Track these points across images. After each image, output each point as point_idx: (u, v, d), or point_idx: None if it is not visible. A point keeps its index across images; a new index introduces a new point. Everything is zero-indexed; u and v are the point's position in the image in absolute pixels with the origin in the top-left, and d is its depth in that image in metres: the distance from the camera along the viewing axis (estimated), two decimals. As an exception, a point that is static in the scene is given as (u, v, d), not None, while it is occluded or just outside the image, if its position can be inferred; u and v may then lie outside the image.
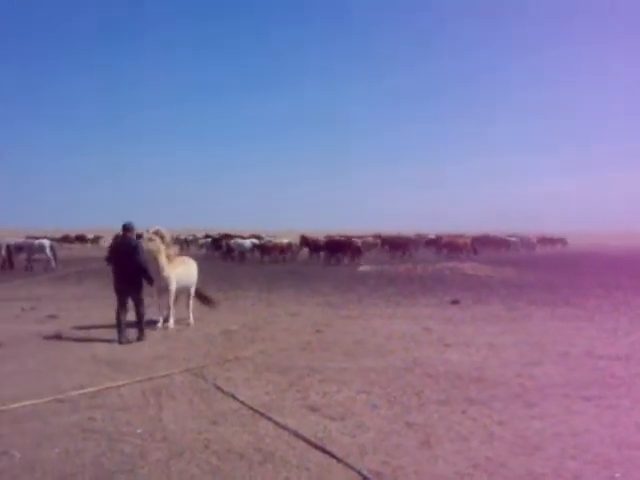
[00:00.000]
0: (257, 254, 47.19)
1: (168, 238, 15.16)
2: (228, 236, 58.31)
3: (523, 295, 21.78)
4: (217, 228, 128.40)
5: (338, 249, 43.27)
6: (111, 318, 13.90)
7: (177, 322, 15.14)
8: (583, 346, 12.17)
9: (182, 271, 15.07)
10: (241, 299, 20.29)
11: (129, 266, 13.25)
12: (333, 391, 8.85)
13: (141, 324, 13.29)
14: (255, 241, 49.27)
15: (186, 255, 17.70)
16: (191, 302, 15.73)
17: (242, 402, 8.25)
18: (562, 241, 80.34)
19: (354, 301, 20.20)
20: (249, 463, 6.13)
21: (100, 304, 19.02)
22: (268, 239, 53.38)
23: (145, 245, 13.99)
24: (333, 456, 6.27)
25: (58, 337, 13.18)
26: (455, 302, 19.30)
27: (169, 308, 14.92)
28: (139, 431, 7.14)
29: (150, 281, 13.78)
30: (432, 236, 71.44)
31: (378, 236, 67.10)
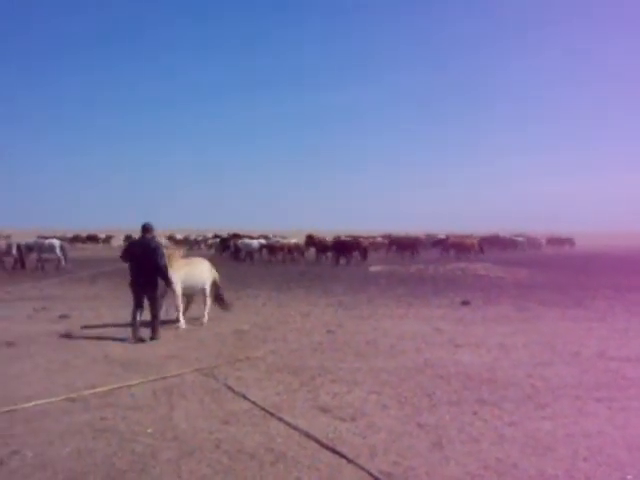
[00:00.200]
0: (265, 254, 47.25)
1: (164, 240, 15.28)
2: (237, 236, 58.31)
3: (534, 296, 21.70)
4: (228, 228, 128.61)
5: (345, 249, 43.20)
6: (123, 318, 14.01)
7: (190, 321, 15.23)
8: (595, 347, 12.13)
9: (186, 272, 15.06)
10: (252, 299, 20.30)
11: (147, 266, 13.40)
12: (344, 392, 8.85)
13: (155, 323, 13.34)
14: (262, 241, 49.32)
15: (195, 255, 17.68)
16: (208, 301, 15.76)
17: (253, 402, 8.26)
18: (570, 241, 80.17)
19: (365, 301, 20.18)
20: (260, 463, 6.14)
21: (112, 304, 19.09)
22: (275, 239, 53.36)
23: None
24: (344, 457, 6.27)
25: (70, 337, 13.25)
26: (466, 303, 19.26)
27: (177, 309, 14.99)
28: (150, 430, 7.16)
29: (168, 283, 14.02)
30: (442, 236, 71.28)
31: (388, 236, 67.11)
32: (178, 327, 14.61)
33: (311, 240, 47.56)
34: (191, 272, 15.25)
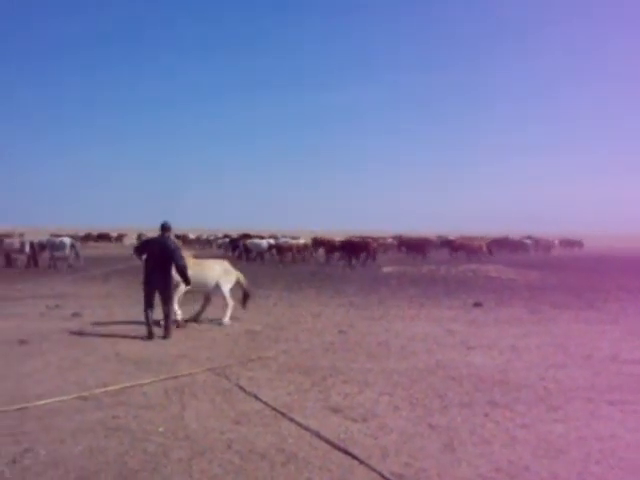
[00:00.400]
0: (274, 254, 47.38)
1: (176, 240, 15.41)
2: (247, 236, 58.49)
3: (546, 298, 21.62)
4: (239, 228, 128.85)
5: (354, 250, 43.19)
6: (135, 316, 14.08)
7: (209, 321, 15.31)
8: (607, 349, 12.09)
9: (194, 272, 15.04)
10: (263, 299, 20.29)
11: (163, 265, 13.51)
12: (355, 392, 8.84)
13: (167, 323, 13.39)
14: (271, 241, 49.43)
15: (206, 255, 17.69)
16: (229, 303, 15.77)
17: (265, 402, 8.26)
18: (579, 244, 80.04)
19: (377, 302, 20.15)
20: (271, 464, 6.14)
21: (124, 302, 19.18)
22: (284, 239, 53.51)
23: None
24: (355, 458, 6.26)
25: (82, 335, 13.30)
26: (478, 304, 19.20)
27: (174, 308, 14.94)
28: (162, 430, 7.17)
29: (187, 281, 14.08)
30: (452, 238, 71.26)
31: (399, 237, 67.20)
32: (177, 324, 14.69)
33: (317, 242, 47.59)
34: (199, 273, 15.26)
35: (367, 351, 11.88)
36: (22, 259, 37.63)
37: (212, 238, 74.89)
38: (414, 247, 53.97)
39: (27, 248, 36.97)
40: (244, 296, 16.46)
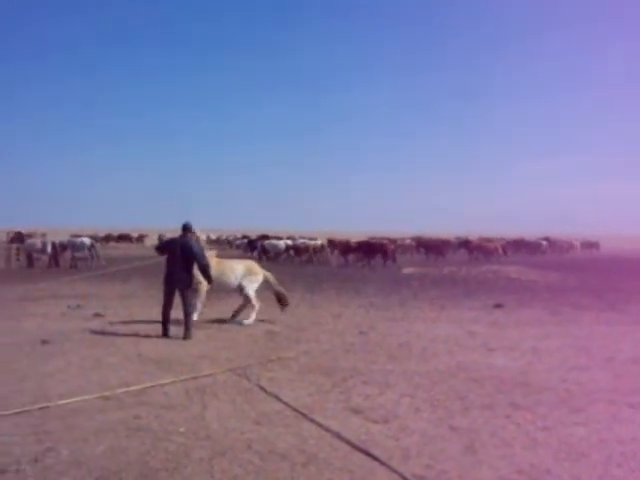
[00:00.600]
0: (291, 255, 47.68)
1: (202, 241, 15.58)
2: (265, 237, 58.78)
3: (567, 299, 21.51)
4: (261, 229, 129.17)
5: (371, 251, 43.24)
6: (156, 316, 14.14)
7: (224, 322, 15.34)
8: (629, 352, 12.01)
9: (216, 271, 15.17)
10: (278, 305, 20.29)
11: (184, 265, 13.67)
12: (376, 394, 8.83)
13: (188, 323, 13.47)
14: (288, 242, 49.75)
15: (225, 255, 17.75)
16: (252, 304, 15.79)
17: (285, 403, 8.27)
18: (596, 245, 79.61)
19: (397, 303, 20.12)
20: (292, 464, 6.14)
21: (145, 303, 19.29)
22: (302, 241, 53.73)
23: None
24: (376, 459, 6.24)
25: (104, 335, 13.37)
26: (499, 306, 19.12)
27: (196, 308, 15.14)
28: (183, 430, 7.19)
29: (210, 280, 14.28)
30: (474, 239, 71.18)
31: (418, 238, 67.19)
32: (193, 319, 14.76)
33: (332, 243, 47.77)
34: (219, 273, 15.35)
35: (388, 352, 11.87)
36: (44, 259, 37.98)
37: (232, 238, 75.36)
38: (432, 248, 54.03)
39: (49, 248, 37.30)
40: (277, 297, 16.51)
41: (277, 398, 8.52)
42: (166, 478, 5.80)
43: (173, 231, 15.22)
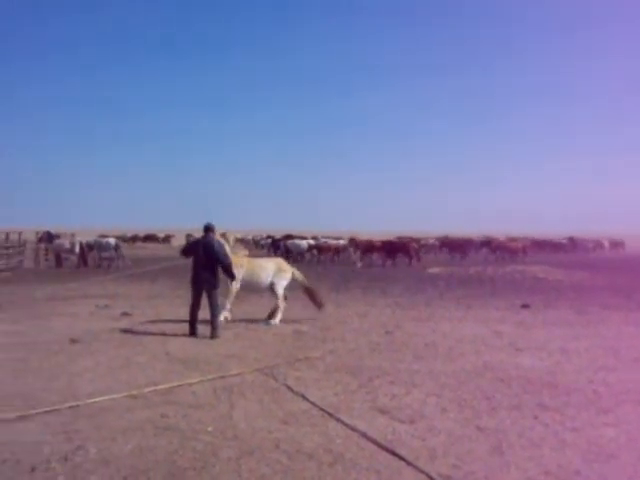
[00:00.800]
0: (314, 255, 48.02)
1: (232, 240, 15.70)
2: (289, 237, 58.97)
3: (594, 299, 21.31)
4: (286, 229, 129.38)
5: (394, 251, 43.26)
6: (183, 316, 14.22)
7: (251, 322, 15.45)
8: (659, 352, 11.90)
9: (247, 270, 15.34)
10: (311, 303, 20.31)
11: (209, 264, 13.78)
12: (403, 393, 8.82)
13: (214, 322, 13.56)
14: (311, 242, 50.07)
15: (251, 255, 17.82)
16: (280, 303, 15.86)
17: (312, 402, 8.29)
18: (622, 244, 78.71)
19: (423, 303, 20.08)
20: (319, 464, 6.15)
21: (173, 302, 19.42)
22: (324, 240, 53.91)
23: None
24: (403, 459, 6.24)
25: (132, 334, 13.48)
26: (525, 306, 19.01)
27: (225, 306, 15.33)
28: (210, 429, 7.23)
29: (232, 276, 14.38)
30: (502, 238, 70.88)
31: (443, 238, 67.12)
32: (224, 318, 15.03)
33: (354, 243, 47.97)
34: (250, 271, 15.46)
35: (414, 352, 11.86)
36: (72, 259, 38.35)
37: (258, 238, 75.73)
38: (455, 247, 54.02)
39: (77, 248, 37.66)
40: (309, 295, 16.62)
41: (304, 397, 8.55)
42: (194, 477, 5.84)
43: (199, 231, 15.28)
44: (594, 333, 14.09)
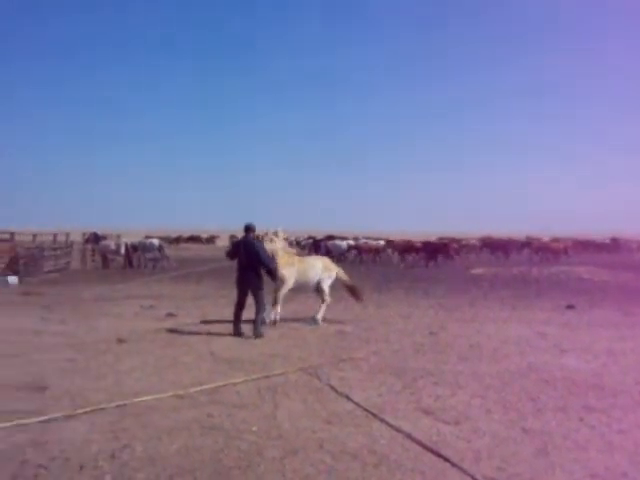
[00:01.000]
0: (356, 255, 48.23)
1: (282, 239, 15.82)
2: (331, 237, 59.21)
3: (641, 300, 21.02)
4: (329, 230, 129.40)
5: (434, 252, 43.24)
6: (228, 316, 14.33)
7: (299, 320, 15.62)
8: None
9: (298, 269, 15.49)
10: (353, 300, 20.32)
11: (251, 264, 13.85)
12: (447, 395, 8.80)
13: (258, 322, 13.69)
14: (351, 242, 50.34)
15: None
16: (325, 299, 15.97)
17: (356, 403, 8.29)
18: None
19: (467, 304, 19.97)
20: (363, 464, 6.16)
21: (217, 303, 19.58)
22: (364, 241, 54.04)
23: (267, 244, 14.75)
24: (448, 460, 6.22)
25: (177, 334, 13.62)
26: (571, 307, 18.81)
27: (276, 303, 15.36)
28: (255, 429, 7.27)
29: (273, 276, 14.48)
30: (547, 239, 70.26)
31: (486, 238, 66.78)
32: (275, 321, 15.13)
33: (391, 244, 47.90)
34: (302, 270, 15.59)
35: (458, 353, 11.81)
36: (118, 260, 38.88)
37: (300, 239, 76.01)
38: (497, 248, 53.73)
39: (122, 249, 38.16)
40: (350, 291, 16.80)
41: (348, 398, 8.56)
42: (239, 476, 5.89)
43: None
44: (641, 334, 13.91)
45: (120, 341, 12.71)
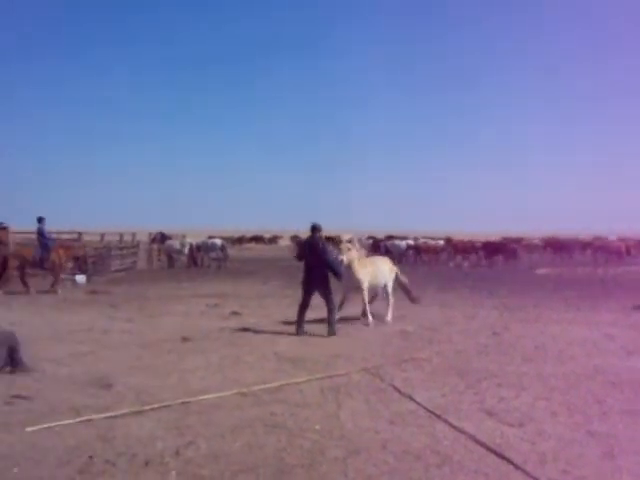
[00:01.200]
0: (415, 255, 47.97)
1: (357, 243, 16.01)
2: (391, 237, 59.19)
3: None
4: (390, 230, 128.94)
5: (495, 251, 42.87)
6: (292, 316, 14.39)
7: (358, 320, 15.56)
8: None
9: (372, 271, 15.62)
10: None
11: (316, 264, 13.95)
12: (511, 396, 8.72)
13: (331, 319, 13.82)
14: (410, 242, 50.15)
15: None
16: (391, 300, 16.06)
17: (419, 403, 8.27)
18: None
19: (531, 304, 19.69)
20: (426, 465, 6.15)
21: (282, 302, 19.66)
22: (423, 241, 53.84)
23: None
24: (511, 462, 6.17)
25: (241, 333, 13.76)
26: (638, 308, 18.40)
27: (365, 305, 15.47)
28: (318, 428, 7.30)
29: (339, 277, 14.49)
30: (613, 238, 68.92)
31: (549, 238, 65.93)
32: (368, 324, 15.17)
33: (451, 243, 47.68)
34: (374, 271, 15.67)
35: (522, 354, 11.69)
36: (182, 259, 39.40)
37: (364, 239, 76.07)
38: (560, 248, 52.98)
39: (186, 249, 38.71)
40: (405, 291, 16.98)
41: (411, 398, 8.54)
42: (302, 475, 5.93)
43: (304, 232, 15.54)
44: None
45: (185, 339, 12.90)
